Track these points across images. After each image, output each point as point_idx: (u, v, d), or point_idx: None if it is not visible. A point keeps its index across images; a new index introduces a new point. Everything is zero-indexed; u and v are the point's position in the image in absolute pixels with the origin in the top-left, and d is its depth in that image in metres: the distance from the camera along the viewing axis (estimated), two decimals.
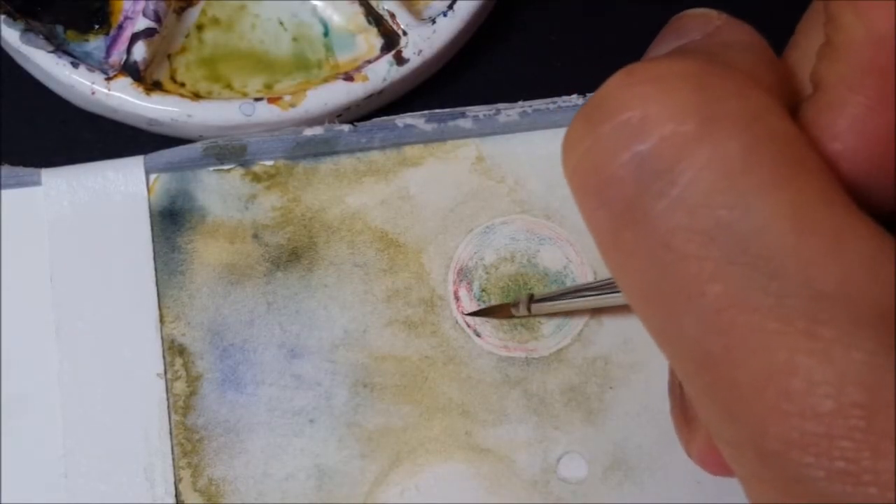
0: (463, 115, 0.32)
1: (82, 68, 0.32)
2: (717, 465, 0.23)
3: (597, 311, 0.30)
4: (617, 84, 0.18)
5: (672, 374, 0.26)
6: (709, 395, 0.17)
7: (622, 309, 0.30)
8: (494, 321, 0.31)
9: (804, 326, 0.16)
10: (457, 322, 0.31)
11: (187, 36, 0.33)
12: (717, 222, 0.17)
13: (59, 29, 0.33)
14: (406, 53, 0.32)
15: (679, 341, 0.17)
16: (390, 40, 0.33)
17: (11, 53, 0.32)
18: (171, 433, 0.30)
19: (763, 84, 0.18)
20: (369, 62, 0.32)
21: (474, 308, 0.31)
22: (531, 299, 0.30)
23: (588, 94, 0.32)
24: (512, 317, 0.30)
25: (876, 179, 0.18)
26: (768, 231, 0.16)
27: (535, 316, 0.30)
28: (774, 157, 0.17)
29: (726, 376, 0.17)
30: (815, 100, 0.18)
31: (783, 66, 0.20)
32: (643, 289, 0.18)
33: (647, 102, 0.17)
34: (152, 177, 0.31)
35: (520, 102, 0.32)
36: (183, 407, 0.30)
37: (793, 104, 0.19)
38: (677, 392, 0.25)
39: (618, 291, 0.27)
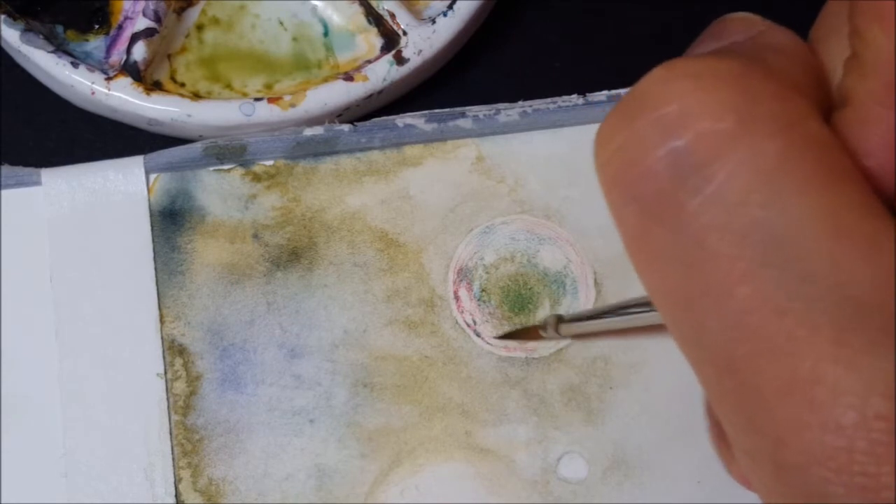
0: (463, 115, 0.32)
1: (82, 68, 0.32)
2: None
3: None
4: (655, 78, 0.17)
5: None
6: (729, 401, 0.17)
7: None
8: (495, 321, 0.31)
9: (832, 334, 0.16)
10: (457, 322, 0.31)
11: (187, 36, 0.33)
12: (753, 221, 0.16)
13: (59, 29, 0.33)
14: (406, 53, 0.32)
15: (702, 344, 0.17)
16: (390, 40, 0.33)
17: (11, 53, 0.32)
18: (171, 433, 0.30)
19: (802, 89, 0.18)
20: (369, 62, 0.32)
21: (474, 308, 0.31)
22: (559, 320, 0.29)
23: (588, 94, 0.32)
24: (541, 339, 0.30)
25: None
26: (803, 233, 0.16)
27: (565, 337, 0.30)
28: (811, 161, 0.17)
29: (748, 382, 0.16)
30: (845, 114, 0.18)
31: (822, 72, 0.19)
32: (668, 288, 0.17)
33: (686, 98, 0.17)
34: (152, 177, 0.31)
35: (520, 102, 0.32)
36: (183, 407, 0.30)
37: (827, 110, 0.19)
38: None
39: (646, 311, 0.27)
